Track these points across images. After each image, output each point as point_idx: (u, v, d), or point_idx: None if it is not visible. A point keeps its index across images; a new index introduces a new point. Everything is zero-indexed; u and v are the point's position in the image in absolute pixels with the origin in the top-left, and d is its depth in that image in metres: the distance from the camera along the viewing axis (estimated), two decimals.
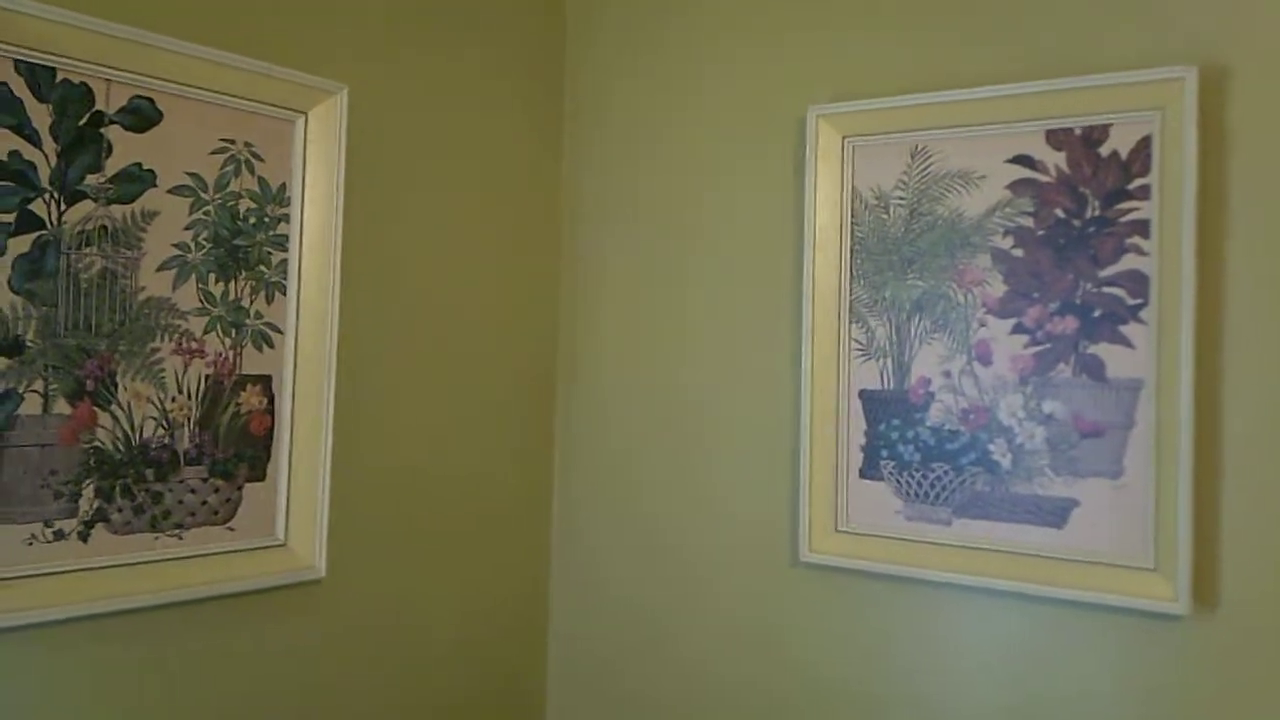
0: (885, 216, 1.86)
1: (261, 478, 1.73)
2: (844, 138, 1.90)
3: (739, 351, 2.02)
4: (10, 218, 1.41)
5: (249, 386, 1.71)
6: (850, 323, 1.90)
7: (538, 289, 2.21)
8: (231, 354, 1.68)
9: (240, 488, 1.70)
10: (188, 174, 1.61)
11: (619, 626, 2.14)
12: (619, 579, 2.14)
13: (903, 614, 1.82)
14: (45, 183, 1.45)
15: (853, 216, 1.90)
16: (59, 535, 1.47)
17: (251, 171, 1.70)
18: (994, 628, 1.73)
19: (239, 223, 1.68)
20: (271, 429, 1.74)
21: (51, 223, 1.45)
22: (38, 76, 1.44)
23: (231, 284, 1.68)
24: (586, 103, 2.24)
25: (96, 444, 1.51)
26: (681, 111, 2.10)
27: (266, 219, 1.72)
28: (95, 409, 1.51)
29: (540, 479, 2.22)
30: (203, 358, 1.64)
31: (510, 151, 2.14)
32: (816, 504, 1.90)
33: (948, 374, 1.78)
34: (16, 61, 1.41)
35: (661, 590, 2.08)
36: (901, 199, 1.84)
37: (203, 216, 1.63)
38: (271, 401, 1.74)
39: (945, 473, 1.78)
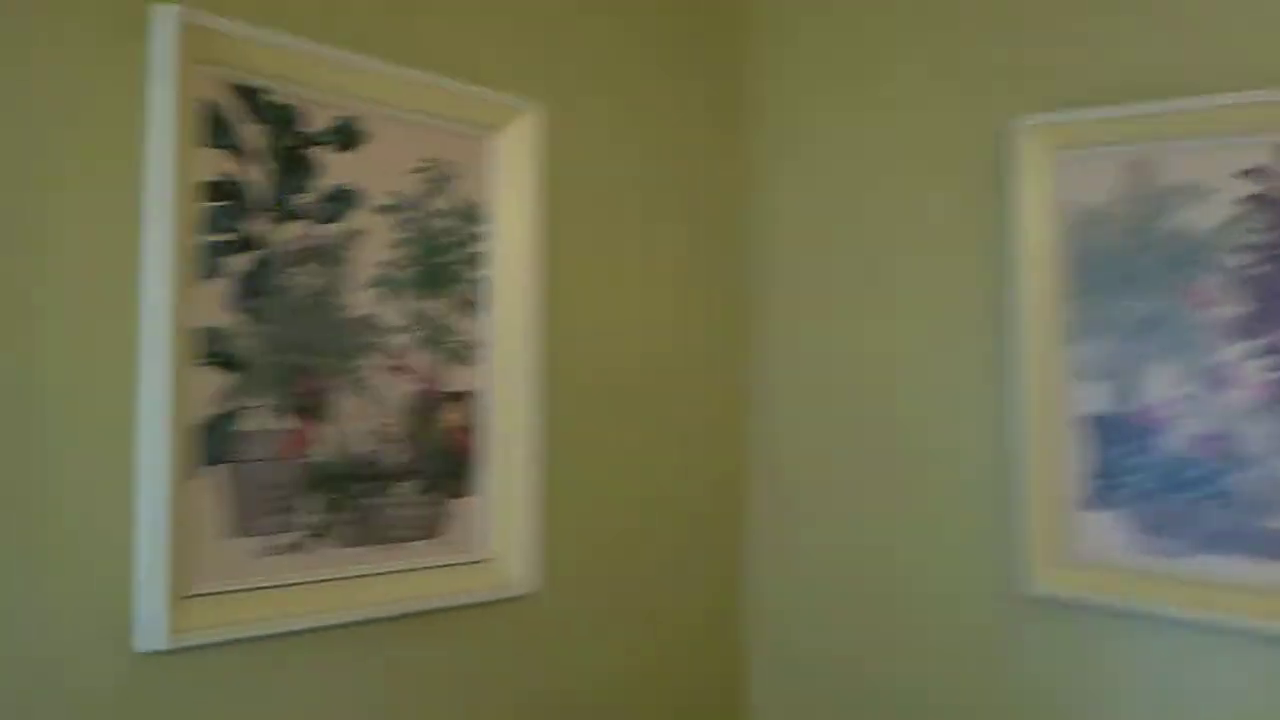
0: (1099, 232, 1.74)
1: (468, 492, 1.72)
2: (1053, 150, 1.80)
3: (938, 375, 1.93)
4: (228, 238, 1.45)
5: (452, 402, 1.71)
6: (1067, 344, 1.78)
7: (726, 307, 2.16)
8: (435, 370, 1.68)
9: (448, 502, 1.69)
10: (391, 193, 1.63)
11: (819, 657, 2.05)
12: (817, 608, 2.06)
13: (1135, 653, 1.67)
14: (260, 203, 1.48)
15: (1065, 233, 1.79)
16: (283, 548, 1.49)
17: (450, 190, 1.72)
18: (1236, 670, 1.57)
19: (439, 241, 1.69)
20: (475, 444, 1.73)
21: (267, 242, 1.49)
22: (252, 99, 1.48)
23: (434, 301, 1.69)
24: (773, 119, 2.20)
25: (316, 459, 1.53)
26: (872, 128, 2.04)
27: (465, 237, 1.73)
28: (313, 424, 1.53)
29: (734, 499, 2.15)
30: (409, 374, 1.65)
31: (697, 169, 2.12)
32: (1038, 534, 1.78)
33: (1181, 398, 1.65)
34: (232, 84, 1.46)
35: (864, 621, 1.99)
36: (1117, 214, 1.72)
37: (406, 235, 1.65)
38: (475, 416, 1.73)
39: (1183, 503, 1.63)
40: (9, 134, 1.27)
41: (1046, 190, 1.80)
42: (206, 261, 1.43)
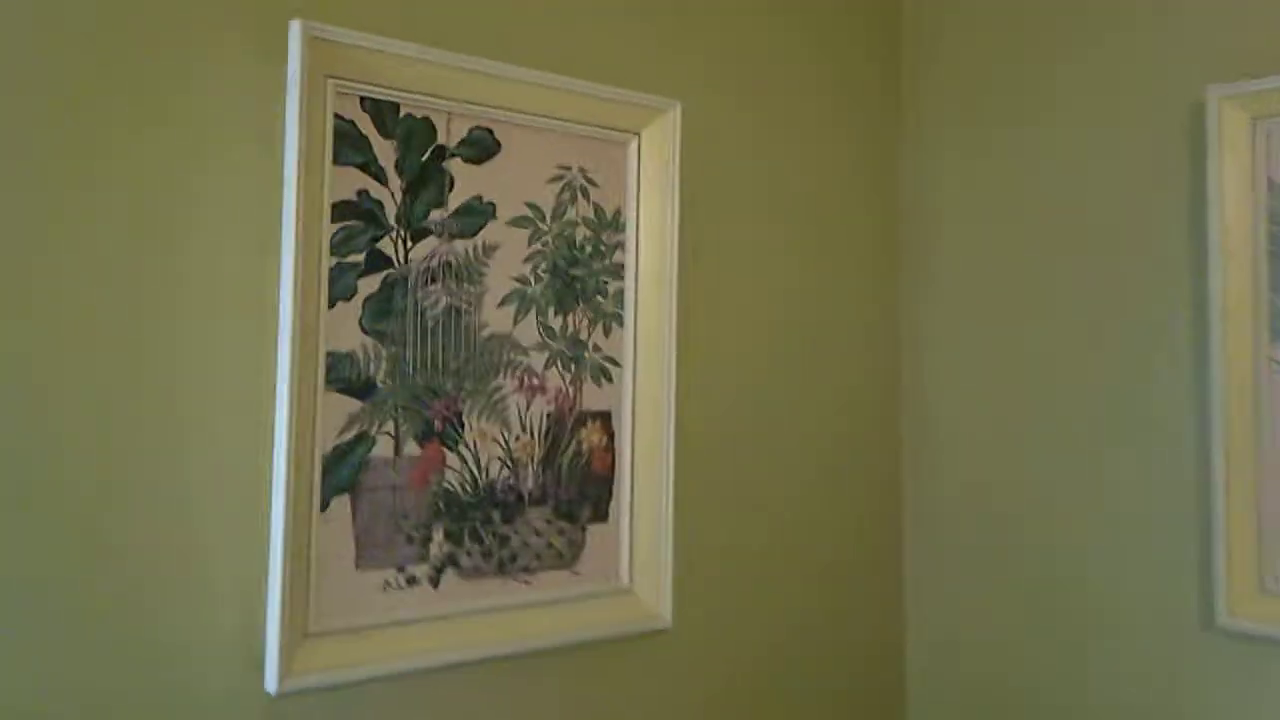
0: None
1: (604, 518, 1.63)
2: (1253, 121, 1.58)
3: (1119, 380, 1.73)
4: (360, 258, 1.39)
5: (589, 423, 1.62)
6: (1272, 342, 1.57)
7: (877, 318, 2.01)
8: (571, 389, 1.60)
9: (584, 529, 1.61)
10: (526, 204, 1.55)
11: (985, 696, 1.88)
12: (983, 641, 1.89)
13: None
14: (392, 220, 1.42)
15: (1269, 215, 1.57)
16: (412, 581, 1.43)
17: (587, 198, 1.62)
18: None
19: (575, 252, 1.60)
20: (613, 467, 1.64)
21: (399, 261, 1.42)
22: (383, 112, 1.41)
23: (569, 316, 1.60)
24: (931, 113, 2.02)
25: (445, 485, 1.46)
26: (1046, 110, 1.85)
27: (602, 247, 1.63)
28: (444, 449, 1.46)
29: (890, 528, 2.00)
30: (544, 394, 1.57)
31: (847, 172, 1.97)
32: (1236, 559, 1.58)
33: None
34: (362, 99, 1.39)
35: (1034, 654, 1.82)
36: None
37: (540, 248, 1.56)
38: (612, 438, 1.64)
39: None
40: (153, 158, 1.23)
41: (1244, 167, 1.59)
42: (339, 283, 1.36)
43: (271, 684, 1.28)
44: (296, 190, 1.30)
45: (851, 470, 1.95)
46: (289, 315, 1.30)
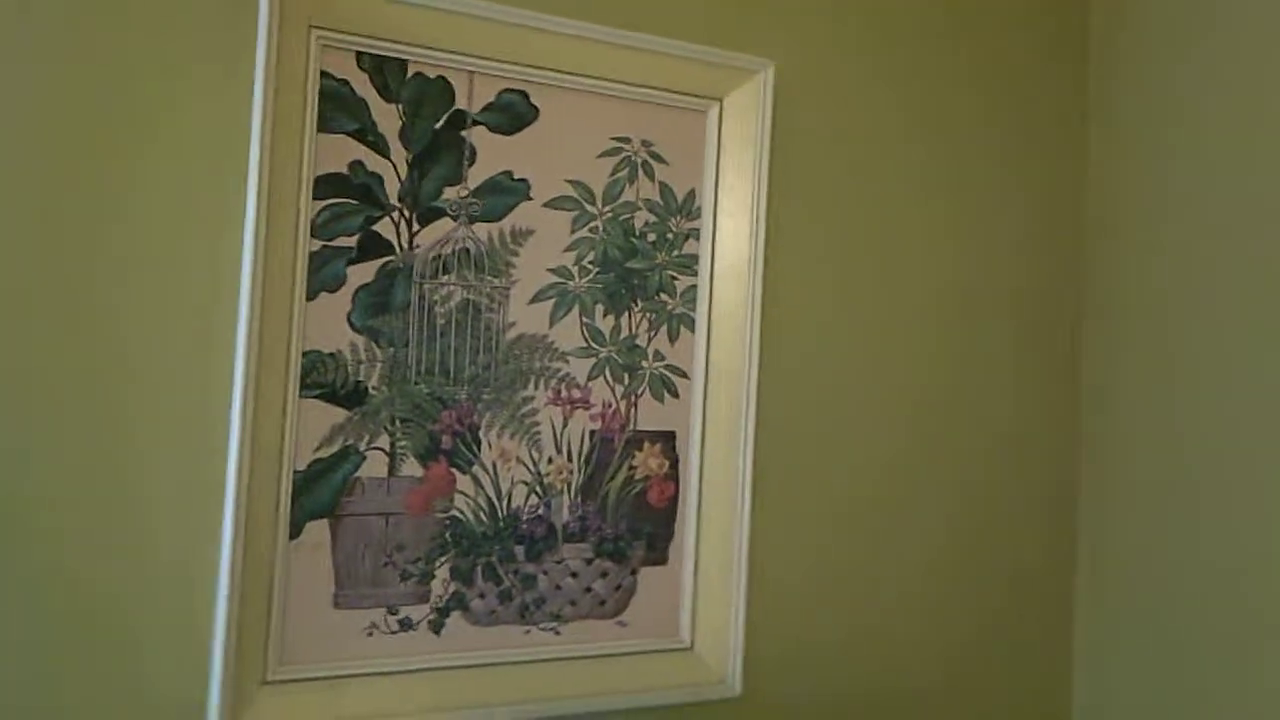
0: None
1: (662, 561, 1.35)
2: None
3: None
4: (352, 241, 1.18)
5: (646, 445, 1.34)
6: None
7: (1039, 323, 1.61)
8: (624, 404, 1.33)
9: (635, 572, 1.33)
10: (569, 182, 1.30)
11: None
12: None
13: None
14: (394, 199, 1.20)
15: None
16: (405, 624, 1.20)
17: (651, 177, 1.35)
18: None
19: (635, 241, 1.33)
20: (675, 500, 1.36)
21: (401, 246, 1.20)
22: (385, 71, 1.20)
23: (624, 317, 1.33)
24: (1103, 80, 1.62)
25: (454, 513, 1.23)
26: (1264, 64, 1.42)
27: (670, 235, 1.35)
28: (453, 471, 1.23)
29: (1055, 592, 1.61)
30: (587, 409, 1.31)
31: (1002, 140, 1.59)
32: None
33: None
34: (359, 54, 1.18)
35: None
36: None
37: (588, 234, 1.31)
38: (675, 465, 1.36)
39: None
40: (99, 121, 1.06)
41: None
42: (323, 270, 1.16)
43: None
44: (261, 159, 1.10)
45: (1001, 513, 1.57)
46: (247, 306, 1.09)
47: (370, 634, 1.19)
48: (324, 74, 1.17)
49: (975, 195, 1.56)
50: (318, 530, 1.17)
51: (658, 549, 1.36)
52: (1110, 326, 1.61)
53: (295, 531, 1.15)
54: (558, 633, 1.29)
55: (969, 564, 1.54)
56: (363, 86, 1.19)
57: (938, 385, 1.53)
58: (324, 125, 1.17)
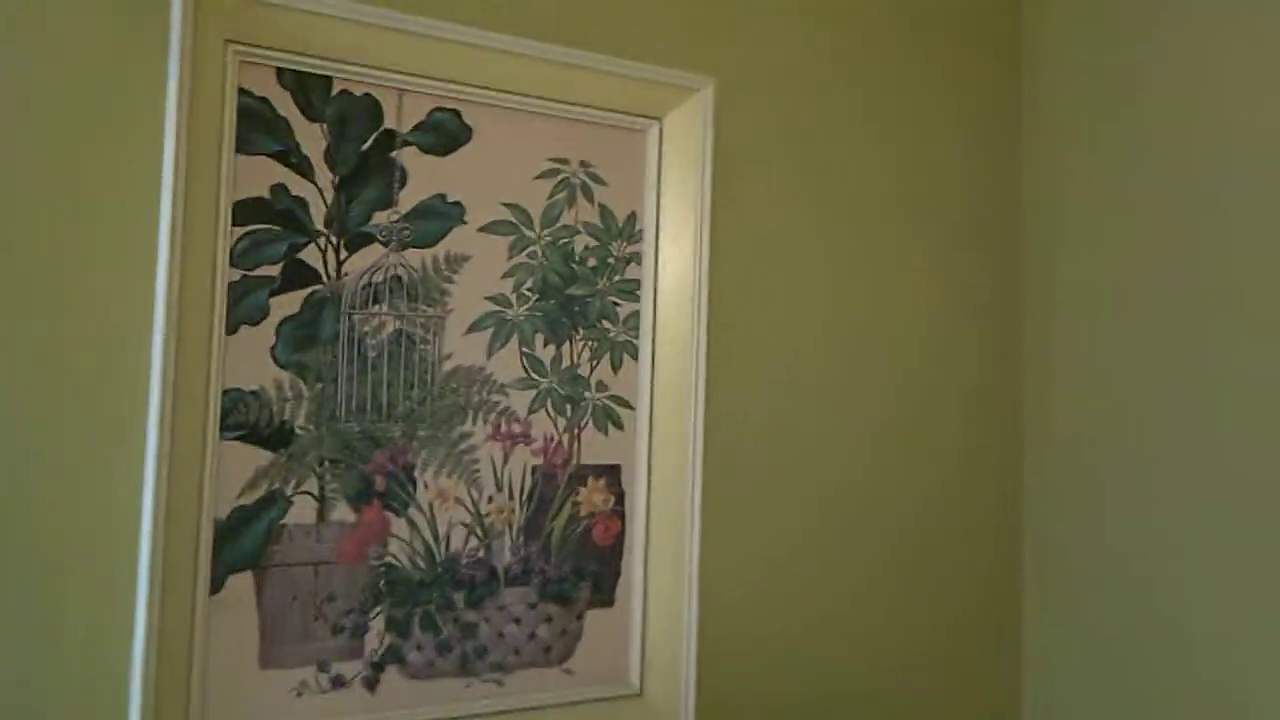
0: None
1: (609, 603, 1.29)
2: None
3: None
4: (275, 270, 1.09)
5: (591, 480, 1.28)
6: None
7: (981, 345, 1.59)
8: (566, 438, 1.26)
9: (580, 616, 1.26)
10: (506, 205, 1.23)
11: None
12: None
13: None
14: (320, 224, 1.12)
15: None
16: (338, 682, 1.11)
17: (590, 199, 1.29)
18: None
19: (575, 266, 1.27)
20: (621, 536, 1.29)
21: (328, 275, 1.12)
22: (308, 89, 1.12)
23: (565, 346, 1.27)
24: (1045, 86, 1.61)
25: (389, 560, 1.15)
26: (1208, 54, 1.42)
27: (611, 260, 1.30)
28: (387, 514, 1.15)
29: (997, 610, 1.58)
30: (528, 444, 1.24)
31: (941, 158, 1.56)
32: None
33: None
34: (280, 70, 1.10)
35: None
36: None
37: (526, 260, 1.24)
38: (621, 500, 1.29)
39: None
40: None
41: None
42: (244, 302, 1.07)
43: None
44: (175, 183, 1.02)
45: (946, 543, 1.54)
46: (161, 341, 1.00)
47: (299, 694, 1.10)
48: (242, 91, 1.09)
49: (918, 206, 1.53)
50: (241, 583, 1.08)
51: (604, 590, 1.29)
52: (1050, 329, 1.59)
53: (216, 586, 1.06)
54: (501, 684, 1.22)
55: (919, 584, 1.50)
56: (284, 105, 1.12)
57: (886, 401, 1.49)
58: (243, 146, 1.09)
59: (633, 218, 1.33)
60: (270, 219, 1.10)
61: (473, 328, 1.22)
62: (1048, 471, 1.58)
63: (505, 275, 1.24)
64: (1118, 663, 1.46)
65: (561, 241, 1.28)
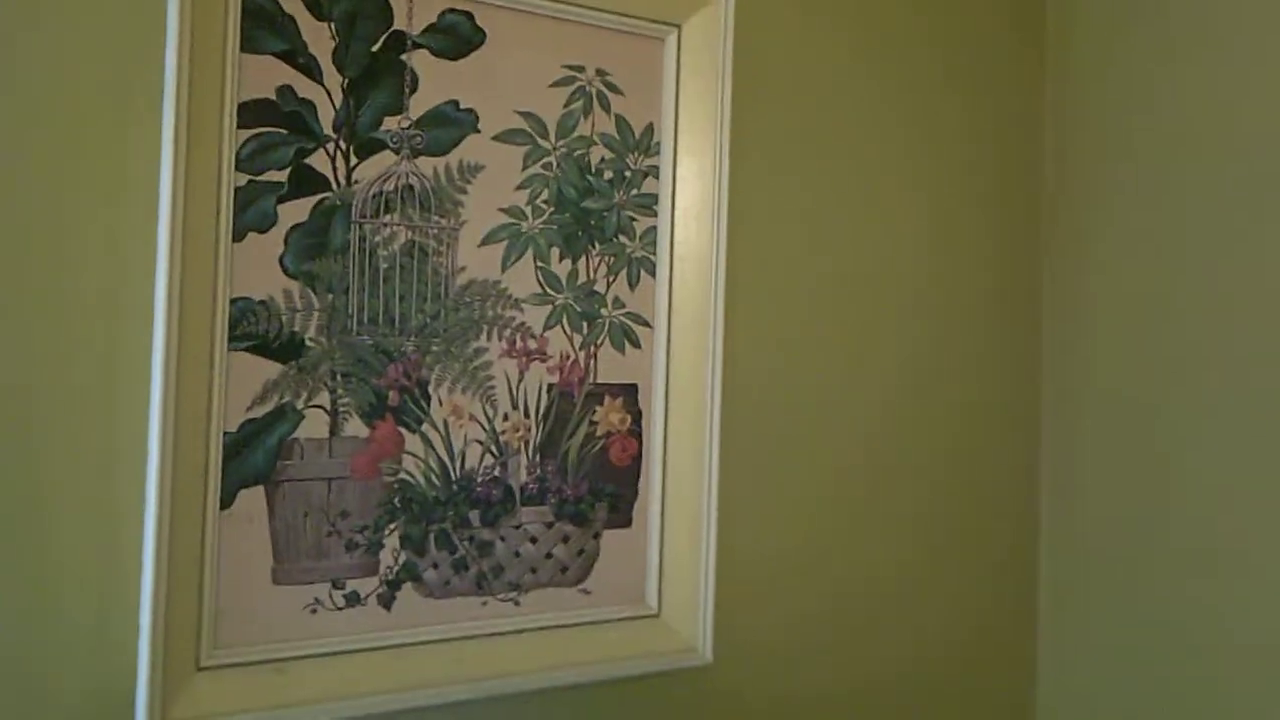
0: None
1: (626, 523, 1.26)
2: None
3: None
4: (282, 176, 1.05)
5: (607, 399, 1.25)
6: None
7: (1006, 274, 1.55)
8: (583, 355, 1.23)
9: (597, 536, 1.24)
10: (520, 114, 1.19)
11: None
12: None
13: None
14: (328, 128, 1.08)
15: None
16: (353, 599, 1.09)
17: (607, 109, 1.24)
18: None
19: (590, 178, 1.23)
20: (639, 458, 1.26)
21: (338, 182, 1.08)
22: None
23: (581, 261, 1.23)
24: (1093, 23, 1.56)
25: (403, 476, 1.12)
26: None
27: (628, 173, 1.25)
28: (401, 430, 1.12)
29: (1023, 555, 1.56)
30: (544, 361, 1.20)
31: (967, 75, 1.51)
32: None
33: None
34: None
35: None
36: None
37: (541, 171, 1.20)
38: (638, 420, 1.26)
39: None
40: None
41: None
42: (251, 209, 1.03)
43: None
44: (177, 83, 0.97)
45: (965, 463, 1.51)
46: (166, 248, 0.96)
47: (314, 611, 1.08)
48: None
49: (941, 146, 1.49)
50: (252, 498, 1.05)
51: (621, 511, 1.27)
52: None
53: (227, 501, 1.03)
54: (517, 603, 1.20)
55: (942, 536, 1.48)
56: (291, 2, 1.07)
57: (900, 317, 1.46)
58: (248, 45, 1.04)
59: (650, 130, 1.28)
60: (277, 122, 1.06)
61: (486, 240, 1.18)
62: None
63: (520, 187, 1.20)
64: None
65: (577, 153, 1.23)
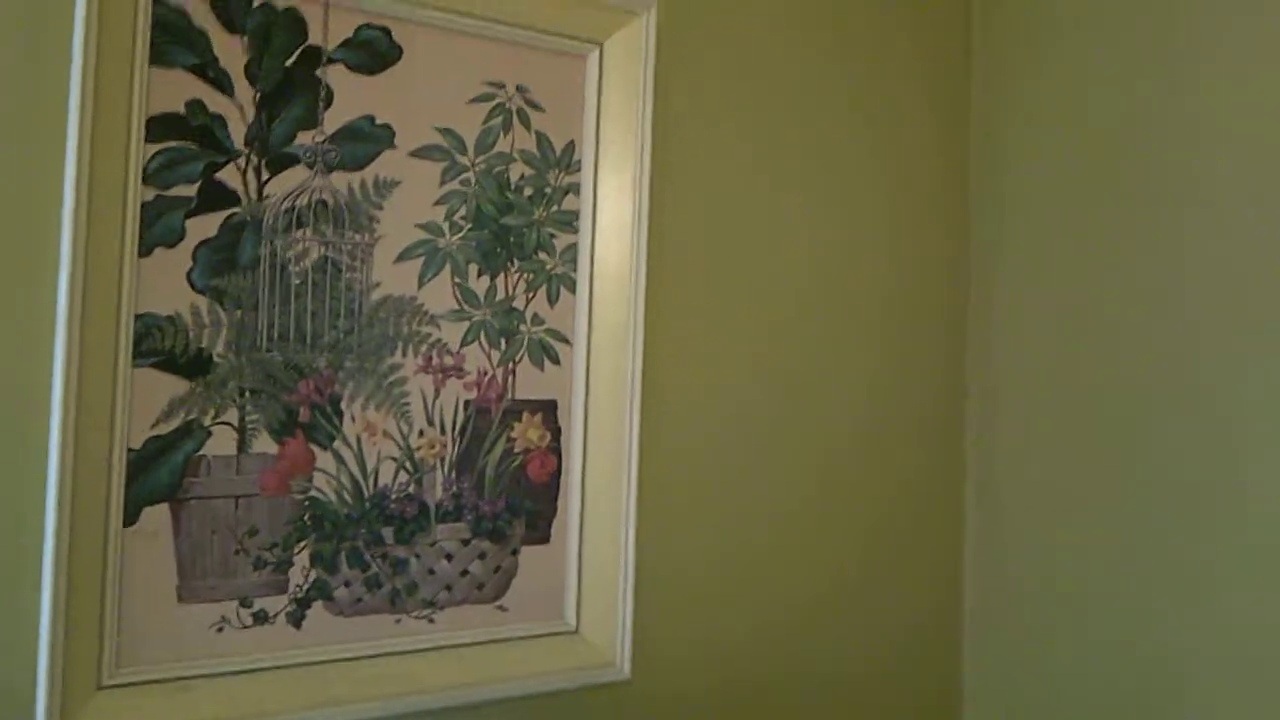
0: None
1: (544, 540, 1.26)
2: None
3: (1245, 360, 1.27)
4: (191, 190, 1.04)
5: (526, 416, 1.25)
6: None
7: (927, 288, 1.57)
8: (500, 372, 1.23)
9: (515, 552, 1.24)
10: (438, 129, 1.19)
11: None
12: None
13: None
14: (239, 143, 1.07)
15: None
16: (261, 618, 1.08)
17: (527, 125, 1.25)
18: None
19: (510, 195, 1.23)
20: (558, 473, 1.26)
21: (249, 197, 1.07)
22: (229, 0, 1.06)
23: (500, 278, 1.23)
24: (1010, 29, 1.59)
25: (314, 494, 1.11)
26: None
27: (548, 190, 1.26)
28: (312, 447, 1.11)
29: (936, 559, 1.58)
30: (460, 377, 1.20)
31: (887, 99, 1.53)
32: None
33: None
34: None
35: None
36: None
37: (459, 187, 1.20)
38: (557, 436, 1.26)
39: None
40: None
41: None
42: (158, 223, 1.02)
43: None
44: (83, 96, 0.96)
45: (890, 477, 1.53)
46: (68, 262, 0.95)
47: (220, 629, 1.07)
48: (156, 1, 1.03)
49: (859, 165, 1.51)
50: (157, 516, 1.04)
51: (539, 527, 1.27)
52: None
53: (131, 518, 1.02)
54: (432, 620, 1.19)
55: (865, 551, 1.50)
56: (202, 15, 1.06)
57: (834, 338, 1.47)
58: (157, 58, 1.03)
59: (571, 147, 1.29)
60: (186, 136, 1.05)
61: (403, 256, 1.18)
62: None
63: (437, 203, 1.20)
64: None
65: (496, 169, 1.24)
